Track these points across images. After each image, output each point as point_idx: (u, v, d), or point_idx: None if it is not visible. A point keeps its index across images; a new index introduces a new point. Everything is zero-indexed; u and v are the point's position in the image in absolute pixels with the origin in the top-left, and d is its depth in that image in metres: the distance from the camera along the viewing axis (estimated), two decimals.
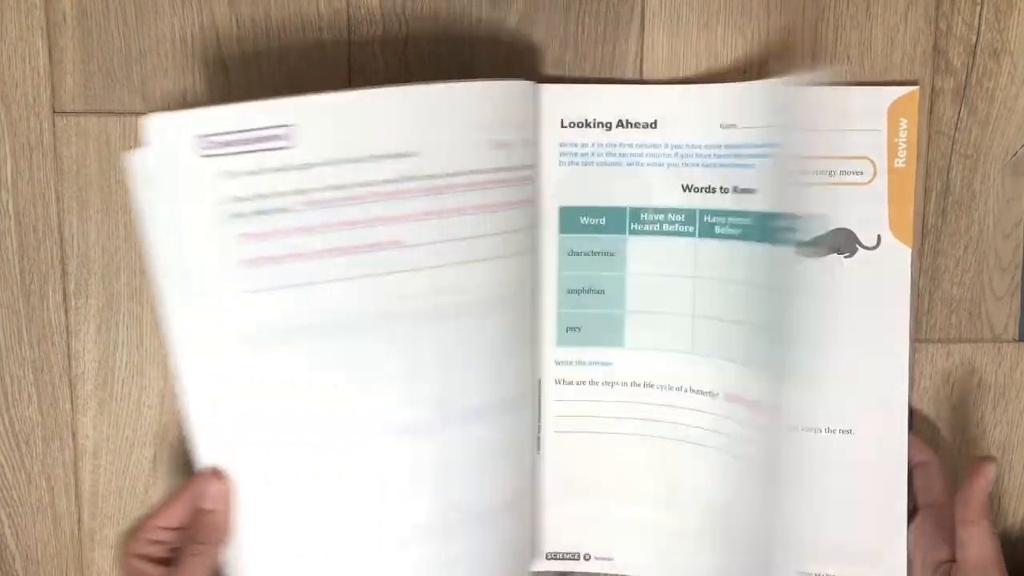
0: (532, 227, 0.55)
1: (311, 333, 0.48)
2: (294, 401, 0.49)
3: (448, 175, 0.49)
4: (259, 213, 0.47)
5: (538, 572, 0.58)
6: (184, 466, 0.58)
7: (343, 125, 0.47)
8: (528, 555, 0.57)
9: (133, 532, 0.51)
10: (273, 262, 0.47)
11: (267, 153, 0.46)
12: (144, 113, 0.55)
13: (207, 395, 0.49)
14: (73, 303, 0.57)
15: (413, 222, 0.49)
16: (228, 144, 0.46)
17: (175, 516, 0.51)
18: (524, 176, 0.53)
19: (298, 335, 0.48)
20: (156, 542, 0.51)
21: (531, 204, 0.54)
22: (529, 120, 0.54)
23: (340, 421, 0.50)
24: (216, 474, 0.51)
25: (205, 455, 0.50)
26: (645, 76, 0.57)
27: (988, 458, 0.53)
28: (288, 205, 0.47)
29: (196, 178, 0.46)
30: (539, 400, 0.57)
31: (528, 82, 0.53)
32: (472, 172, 0.50)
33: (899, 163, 0.55)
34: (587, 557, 0.58)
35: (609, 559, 0.58)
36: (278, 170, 0.47)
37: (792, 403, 0.53)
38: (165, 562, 0.50)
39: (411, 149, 0.48)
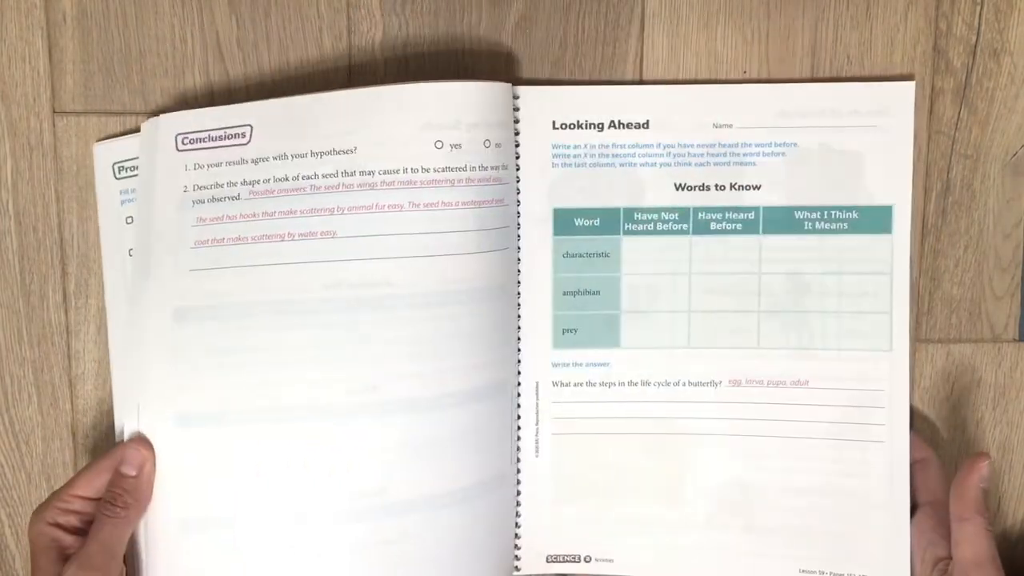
0: (501, 228, 0.55)
1: (242, 311, 0.53)
2: (219, 373, 0.53)
3: (384, 172, 0.52)
4: (214, 200, 0.53)
5: None
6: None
7: (291, 124, 0.53)
8: (510, 539, 0.57)
9: (46, 502, 0.51)
10: (218, 244, 0.53)
11: (227, 148, 0.53)
12: (144, 113, 0.55)
13: (135, 366, 0.54)
14: (73, 303, 0.58)
15: (348, 215, 0.52)
16: (200, 140, 0.54)
17: (93, 485, 0.52)
18: (484, 177, 0.53)
19: (228, 312, 0.53)
20: (71, 511, 0.51)
21: (496, 205, 0.54)
22: (495, 121, 0.54)
23: (262, 396, 0.53)
24: (141, 440, 0.53)
25: (128, 424, 0.53)
26: (645, 76, 0.57)
27: (982, 454, 0.53)
28: (238, 194, 0.53)
29: (172, 169, 0.54)
30: (536, 402, 0.57)
31: (494, 83, 0.54)
32: (411, 171, 0.52)
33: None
34: (588, 559, 0.58)
35: (610, 560, 0.58)
36: (234, 163, 0.53)
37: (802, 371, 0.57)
38: (78, 532, 0.51)
39: (348, 146, 0.52)
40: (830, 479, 0.56)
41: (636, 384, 0.57)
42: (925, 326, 0.58)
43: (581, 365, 0.57)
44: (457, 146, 0.52)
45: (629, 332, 0.57)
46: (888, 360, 0.56)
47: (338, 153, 0.52)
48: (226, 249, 0.53)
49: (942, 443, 0.59)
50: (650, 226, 0.56)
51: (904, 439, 0.56)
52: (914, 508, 0.56)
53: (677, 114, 0.56)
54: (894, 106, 0.55)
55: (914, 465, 0.56)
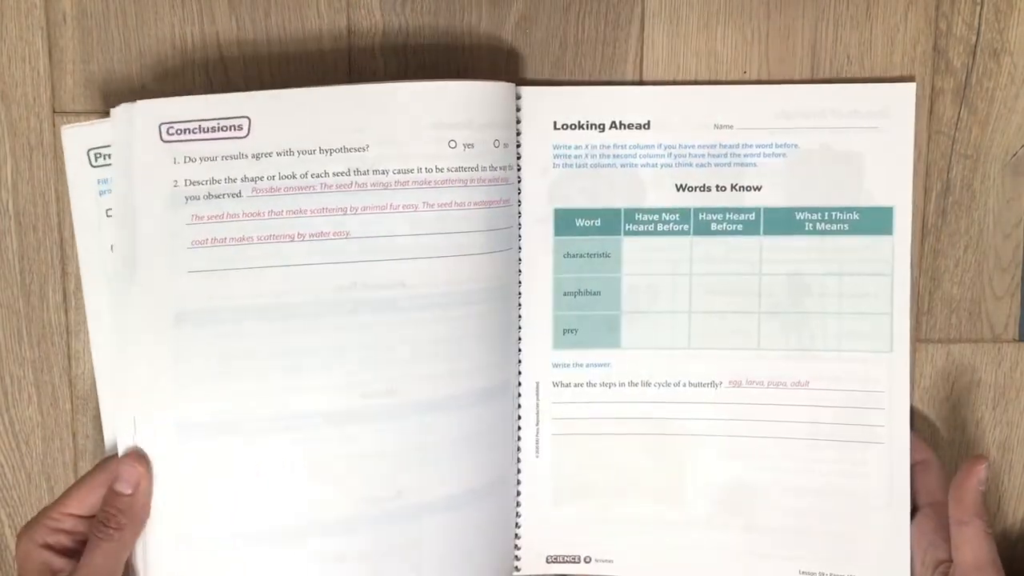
0: (505, 228, 0.55)
1: (249, 315, 0.50)
2: (224, 380, 0.50)
3: (398, 171, 0.51)
4: (211, 197, 0.50)
5: None
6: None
7: (295, 119, 0.50)
8: (511, 539, 0.57)
9: (35, 521, 0.49)
10: (219, 244, 0.50)
11: (222, 141, 0.50)
12: None
13: (128, 374, 0.51)
14: (73, 303, 0.57)
15: (361, 215, 0.50)
16: (188, 131, 0.50)
17: (86, 502, 0.49)
18: (493, 177, 0.53)
19: (234, 316, 0.50)
20: (61, 531, 0.49)
21: (503, 205, 0.54)
22: (502, 121, 0.54)
23: (270, 403, 0.51)
24: (136, 456, 0.50)
25: (123, 436, 0.51)
26: (645, 76, 0.57)
27: (980, 457, 0.53)
28: (239, 191, 0.50)
29: (156, 161, 0.50)
30: (536, 402, 0.57)
31: (503, 83, 0.53)
32: (425, 170, 0.51)
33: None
34: (588, 559, 0.58)
35: (610, 560, 0.58)
36: (232, 157, 0.50)
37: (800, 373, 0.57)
38: (70, 553, 0.49)
39: (360, 144, 0.50)
40: (830, 480, 0.56)
41: (636, 385, 0.57)
42: (925, 326, 0.58)
43: (581, 366, 0.57)
44: (470, 146, 0.52)
45: (629, 333, 0.57)
46: (888, 361, 0.56)
47: (349, 151, 0.50)
48: (229, 250, 0.50)
49: (942, 443, 0.59)
50: (651, 227, 0.56)
51: (904, 440, 0.56)
52: (915, 510, 0.56)
53: (678, 115, 0.56)
54: (895, 107, 0.55)
55: (914, 467, 0.56)
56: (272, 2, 0.56)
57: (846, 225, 0.56)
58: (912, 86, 0.55)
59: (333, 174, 0.50)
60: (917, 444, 0.56)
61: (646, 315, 0.57)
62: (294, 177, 0.50)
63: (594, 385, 0.57)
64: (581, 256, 0.56)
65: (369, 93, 0.51)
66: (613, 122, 0.56)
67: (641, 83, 0.57)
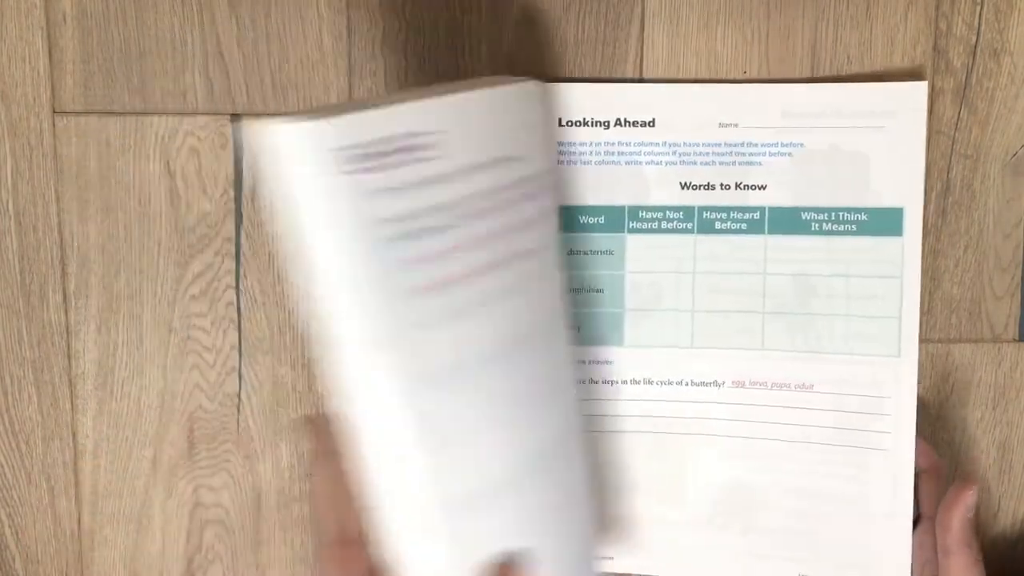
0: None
1: (492, 360, 0.44)
2: (492, 444, 0.43)
3: (540, 175, 0.50)
4: (421, 232, 0.41)
5: None
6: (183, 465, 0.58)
7: (472, 128, 0.44)
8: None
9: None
10: (447, 285, 0.42)
11: (413, 165, 0.41)
12: (144, 113, 0.55)
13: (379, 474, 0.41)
14: (73, 303, 0.57)
15: (544, 221, 0.49)
16: (368, 157, 0.39)
17: None
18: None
19: (477, 366, 0.43)
20: None
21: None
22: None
23: (522, 455, 0.45)
24: None
25: (410, 544, 0.42)
26: (645, 76, 0.57)
27: (968, 482, 0.52)
28: (447, 220, 0.42)
29: (339, 197, 0.38)
30: None
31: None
32: (548, 172, 0.52)
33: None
34: None
35: (610, 558, 0.58)
36: (425, 184, 0.41)
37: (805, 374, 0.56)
38: None
39: (516, 153, 0.47)
40: (832, 484, 0.56)
41: (639, 383, 0.57)
42: (925, 326, 0.58)
43: (584, 363, 0.57)
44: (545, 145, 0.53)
45: (632, 330, 0.57)
46: (896, 366, 0.55)
47: (512, 160, 0.46)
48: (458, 289, 0.42)
49: (942, 443, 0.59)
50: (655, 224, 0.56)
51: (909, 447, 0.55)
52: (918, 519, 0.56)
53: (683, 113, 0.56)
54: (904, 106, 0.55)
55: (921, 475, 0.55)
56: (272, 2, 0.56)
57: (853, 226, 0.55)
58: (923, 84, 0.55)
59: (513, 184, 0.46)
60: (925, 451, 0.56)
61: (649, 313, 0.57)
62: (490, 194, 0.44)
63: (596, 383, 0.57)
64: (584, 253, 0.56)
65: (497, 96, 0.47)
66: (618, 119, 0.56)
67: (642, 82, 0.57)
